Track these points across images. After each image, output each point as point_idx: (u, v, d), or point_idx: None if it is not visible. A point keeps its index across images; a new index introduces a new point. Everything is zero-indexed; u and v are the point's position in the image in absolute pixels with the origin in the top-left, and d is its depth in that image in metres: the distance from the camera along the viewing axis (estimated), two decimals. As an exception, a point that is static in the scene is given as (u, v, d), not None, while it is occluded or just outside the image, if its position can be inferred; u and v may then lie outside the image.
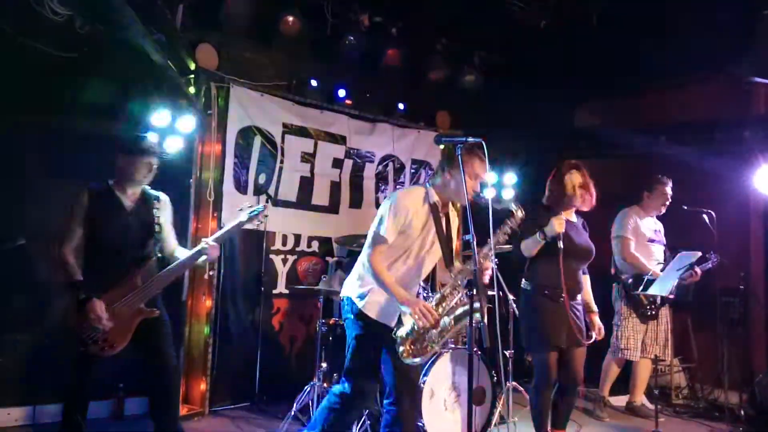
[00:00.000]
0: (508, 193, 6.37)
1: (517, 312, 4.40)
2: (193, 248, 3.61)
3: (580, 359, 3.92)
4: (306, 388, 4.48)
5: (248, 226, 3.72)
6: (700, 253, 4.71)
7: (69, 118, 4.48)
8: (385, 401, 3.28)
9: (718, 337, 5.52)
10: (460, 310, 3.12)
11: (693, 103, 6.04)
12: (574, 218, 4.01)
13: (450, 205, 3.39)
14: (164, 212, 3.64)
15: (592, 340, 3.99)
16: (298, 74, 5.61)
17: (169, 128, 4.53)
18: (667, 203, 5.23)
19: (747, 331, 5.72)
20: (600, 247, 4.13)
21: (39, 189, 4.42)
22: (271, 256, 5.41)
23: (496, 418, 4.42)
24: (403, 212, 3.18)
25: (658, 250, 5.26)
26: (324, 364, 4.44)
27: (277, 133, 5.41)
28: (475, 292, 2.76)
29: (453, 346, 4.29)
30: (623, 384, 5.42)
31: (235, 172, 5.15)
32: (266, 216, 3.73)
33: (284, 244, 5.50)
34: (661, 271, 4.88)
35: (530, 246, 3.82)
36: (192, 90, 4.87)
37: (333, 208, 5.80)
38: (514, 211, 3.26)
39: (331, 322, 4.60)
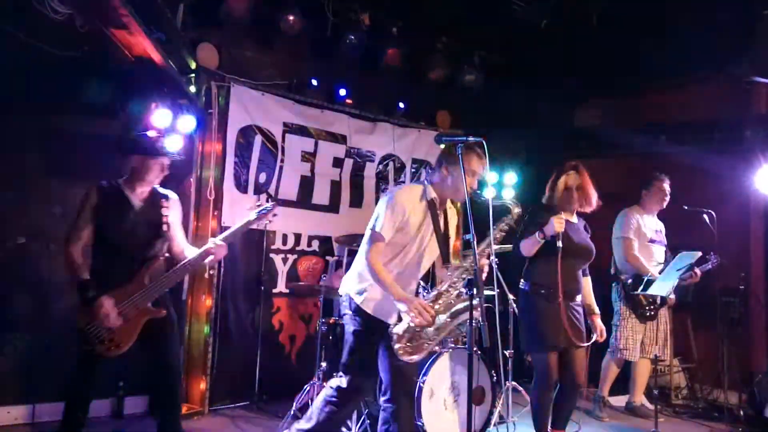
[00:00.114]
0: (509, 193, 6.37)
1: (516, 311, 4.40)
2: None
3: (581, 360, 3.92)
4: (306, 387, 4.48)
5: (256, 226, 3.72)
6: (700, 253, 4.71)
7: (69, 117, 4.48)
8: (381, 399, 3.29)
9: (718, 337, 5.52)
10: (456, 308, 3.13)
11: (693, 102, 6.03)
12: (574, 219, 4.02)
13: (449, 202, 3.39)
14: (173, 211, 3.61)
15: (592, 341, 3.99)
16: (299, 73, 5.61)
17: (170, 127, 4.52)
18: (666, 199, 5.23)
19: (747, 332, 5.72)
20: (600, 248, 4.13)
21: (39, 188, 4.42)
22: (272, 255, 5.41)
23: (495, 417, 4.42)
24: (399, 210, 3.18)
25: (659, 251, 5.26)
26: (324, 364, 4.44)
27: (277, 133, 5.41)
28: (475, 291, 2.77)
29: (453, 345, 4.29)
30: (623, 384, 5.42)
31: (235, 171, 5.15)
32: (275, 215, 3.70)
33: (284, 243, 5.50)
34: (660, 272, 4.88)
35: (529, 245, 3.83)
36: (192, 89, 4.87)
37: (333, 207, 5.80)
38: (511, 208, 3.26)
39: (331, 321, 4.60)
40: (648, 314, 5.08)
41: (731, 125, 5.69)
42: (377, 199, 5.96)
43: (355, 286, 3.29)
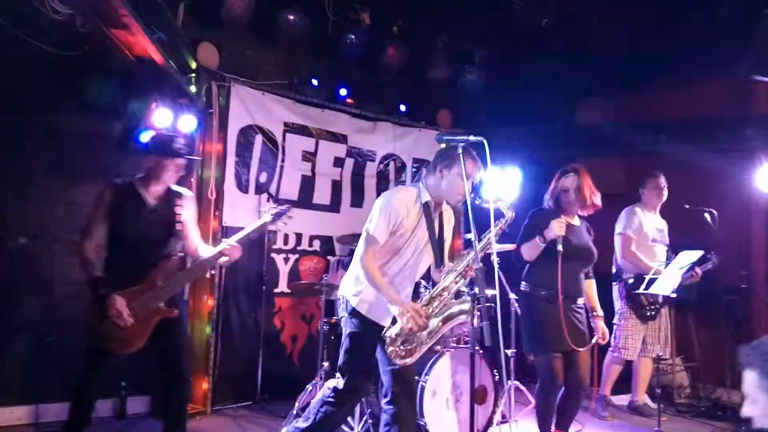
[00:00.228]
0: (509, 193, 6.35)
1: (519, 312, 4.40)
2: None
3: (585, 362, 3.91)
4: (308, 387, 4.48)
5: (271, 227, 3.71)
6: (702, 252, 4.70)
7: (70, 117, 4.49)
8: (383, 401, 3.29)
9: (721, 335, 5.51)
10: (450, 311, 3.13)
11: (694, 101, 6.02)
12: (576, 221, 4.02)
13: (445, 204, 3.38)
14: (187, 209, 3.58)
15: (594, 342, 3.99)
16: (299, 73, 5.62)
17: (171, 127, 4.53)
18: (663, 193, 5.21)
19: (750, 330, 5.70)
20: (602, 249, 4.13)
21: (40, 188, 4.42)
22: (273, 255, 5.41)
23: (497, 417, 4.41)
24: (393, 213, 3.18)
25: (661, 251, 5.25)
26: (326, 363, 4.44)
27: (278, 132, 5.41)
28: (477, 291, 2.77)
29: (455, 345, 4.29)
30: (625, 383, 5.42)
31: (236, 171, 5.15)
32: (290, 217, 3.70)
33: (286, 243, 5.50)
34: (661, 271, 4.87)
35: (530, 249, 3.83)
36: (193, 89, 4.87)
37: (334, 207, 5.80)
38: (505, 213, 3.26)
39: (333, 321, 4.60)
40: (649, 314, 5.07)
41: (732, 124, 5.68)
42: (378, 199, 5.98)
43: (351, 288, 3.29)
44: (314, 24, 5.45)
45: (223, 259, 3.54)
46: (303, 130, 5.57)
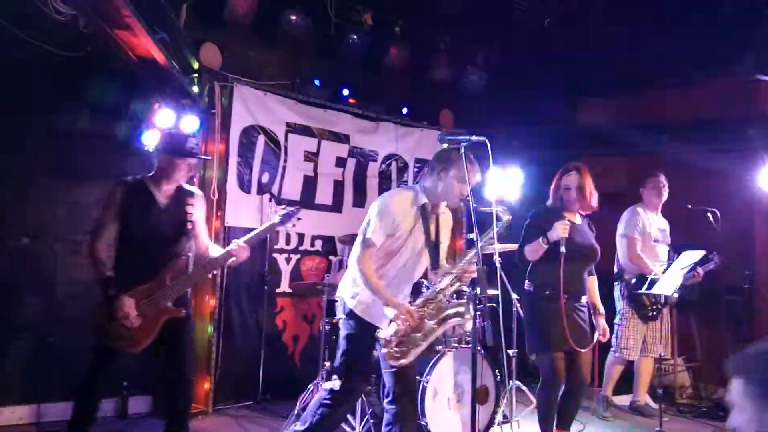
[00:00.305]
0: (510, 193, 6.35)
1: (521, 312, 4.40)
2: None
3: (587, 361, 3.91)
4: (309, 387, 4.48)
5: (280, 229, 3.71)
6: (704, 252, 4.70)
7: (72, 117, 4.50)
8: (384, 401, 3.30)
9: (723, 336, 5.50)
10: (445, 313, 3.13)
11: (696, 101, 6.02)
12: (578, 220, 4.02)
13: (443, 206, 3.38)
14: (198, 209, 3.58)
15: (595, 341, 3.99)
16: (302, 73, 5.62)
17: (173, 127, 4.53)
18: (664, 191, 5.19)
19: (751, 330, 5.70)
20: (604, 247, 4.12)
21: (41, 188, 4.43)
22: (275, 255, 5.42)
23: (499, 417, 4.41)
24: (390, 216, 3.19)
25: (663, 251, 5.24)
26: (327, 363, 4.44)
27: (280, 132, 5.42)
28: (478, 291, 2.77)
29: (456, 345, 4.29)
30: (627, 383, 5.41)
31: (238, 171, 5.15)
32: (299, 219, 3.70)
33: (288, 243, 5.51)
34: (663, 272, 4.86)
35: (534, 251, 3.83)
36: (195, 89, 4.88)
37: (336, 207, 5.80)
38: (502, 216, 3.26)
39: (335, 321, 4.58)
40: (650, 314, 5.06)
41: (734, 124, 5.68)
42: (380, 199, 5.98)
43: (348, 290, 3.30)
44: (317, 24, 5.45)
45: (231, 259, 3.54)
46: (305, 131, 5.58)
